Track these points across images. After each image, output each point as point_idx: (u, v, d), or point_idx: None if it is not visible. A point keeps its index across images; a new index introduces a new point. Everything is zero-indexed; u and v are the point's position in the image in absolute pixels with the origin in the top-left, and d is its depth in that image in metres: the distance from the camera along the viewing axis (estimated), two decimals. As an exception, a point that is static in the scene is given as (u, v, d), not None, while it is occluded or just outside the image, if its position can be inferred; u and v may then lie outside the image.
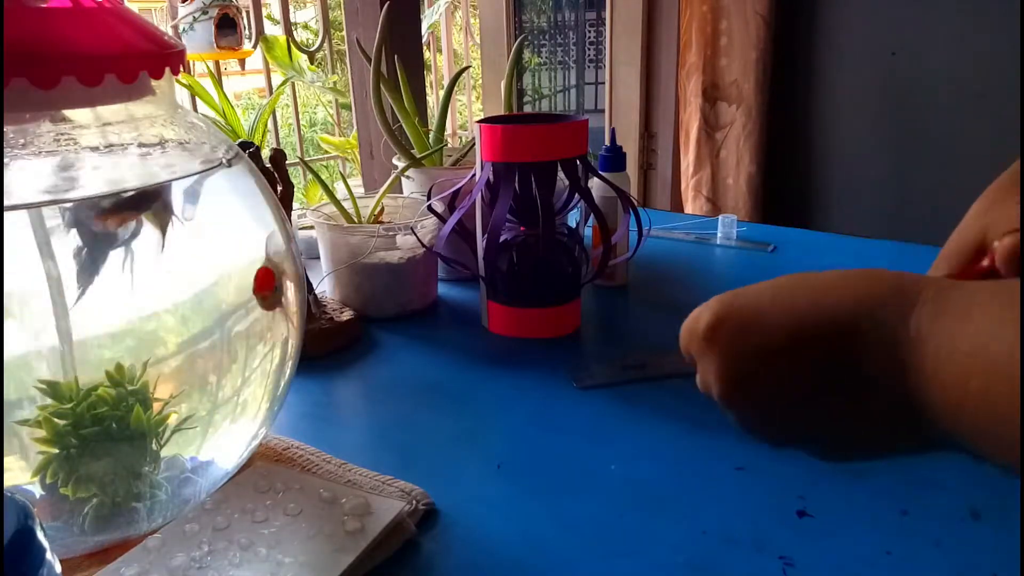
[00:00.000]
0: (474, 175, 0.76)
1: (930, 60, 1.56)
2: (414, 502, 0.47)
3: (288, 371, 0.51)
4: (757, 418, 0.31)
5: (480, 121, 0.72)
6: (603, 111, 2.27)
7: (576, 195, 0.75)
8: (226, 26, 1.47)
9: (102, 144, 0.40)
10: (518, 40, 1.03)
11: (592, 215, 0.74)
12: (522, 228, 0.75)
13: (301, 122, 1.60)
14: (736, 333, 0.30)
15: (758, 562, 0.43)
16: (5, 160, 0.36)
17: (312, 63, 1.68)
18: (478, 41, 2.44)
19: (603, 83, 2.24)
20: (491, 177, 0.72)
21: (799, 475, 0.51)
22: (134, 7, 0.47)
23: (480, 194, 0.73)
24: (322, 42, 1.44)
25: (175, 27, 1.46)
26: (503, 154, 0.69)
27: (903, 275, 0.27)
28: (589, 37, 2.55)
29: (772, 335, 0.29)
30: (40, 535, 0.27)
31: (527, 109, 2.57)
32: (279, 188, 0.68)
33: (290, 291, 0.49)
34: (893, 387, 0.26)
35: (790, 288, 0.30)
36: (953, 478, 0.50)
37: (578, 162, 0.72)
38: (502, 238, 0.74)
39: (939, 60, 1.54)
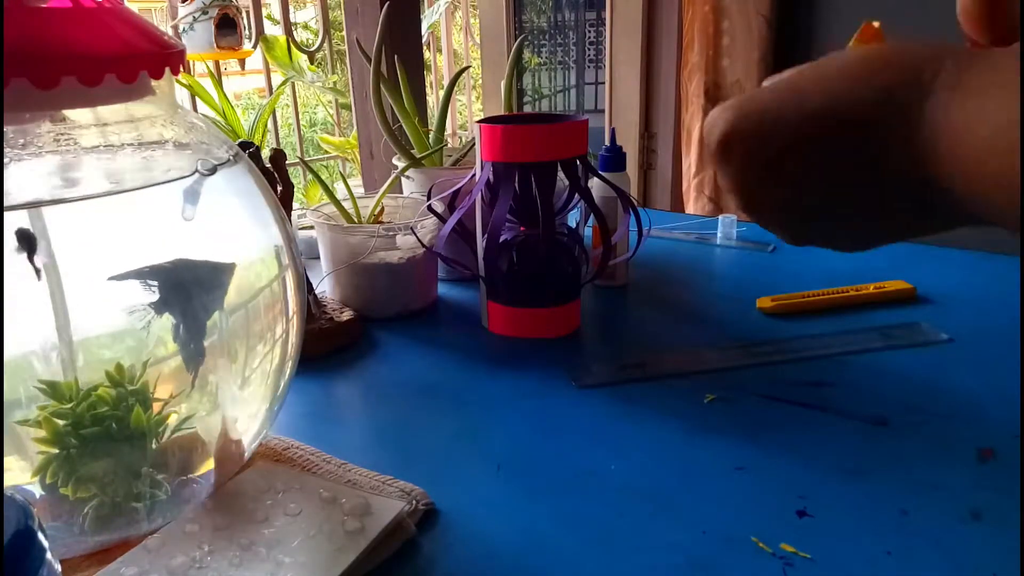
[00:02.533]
0: (474, 175, 0.76)
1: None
2: (414, 502, 0.47)
3: (288, 371, 0.51)
4: (777, 220, 0.32)
5: (480, 121, 0.72)
6: (603, 111, 2.27)
7: (576, 195, 0.75)
8: (226, 26, 1.47)
9: (102, 144, 0.40)
10: (518, 40, 1.03)
11: (592, 215, 0.74)
12: (522, 228, 0.76)
13: (301, 122, 1.60)
14: (749, 143, 0.30)
15: (758, 562, 0.43)
16: (5, 160, 0.36)
17: (312, 63, 1.69)
18: (478, 41, 2.44)
19: (603, 83, 2.25)
20: (491, 177, 0.72)
21: (799, 475, 0.51)
22: (134, 7, 0.47)
23: (480, 194, 0.73)
24: (322, 42, 1.44)
25: (175, 27, 1.46)
26: (503, 154, 0.69)
27: (917, 50, 0.25)
28: (589, 37, 2.55)
29: (785, 138, 0.29)
30: (40, 535, 0.27)
31: (527, 109, 2.57)
32: (279, 188, 0.68)
33: (289, 289, 0.49)
34: (912, 171, 0.25)
35: (801, 83, 0.29)
36: (953, 478, 0.50)
37: (578, 162, 0.72)
38: (502, 238, 0.74)
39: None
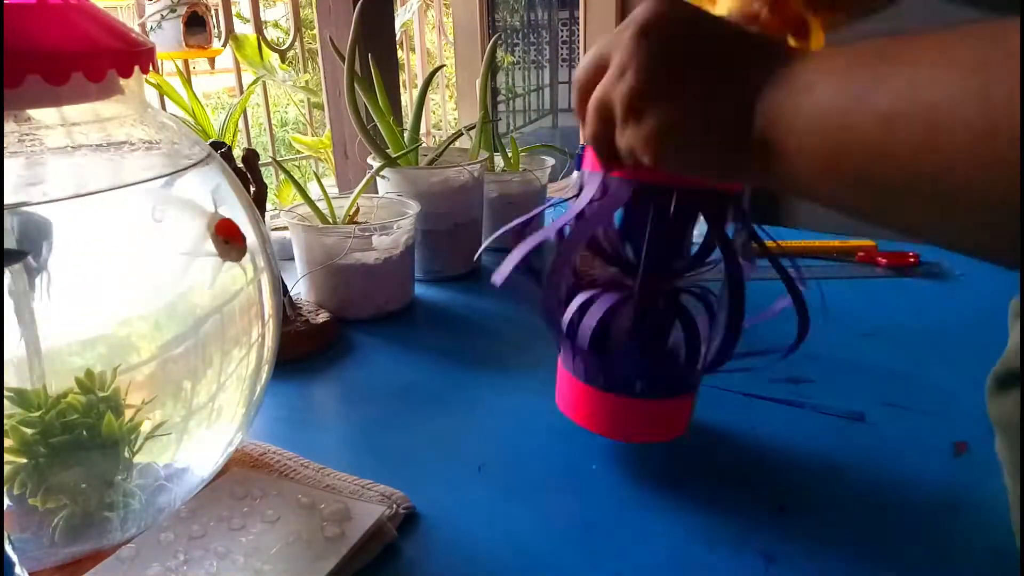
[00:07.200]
0: (575, 196, 0.49)
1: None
2: (394, 506, 0.47)
3: (264, 375, 0.50)
4: (658, 115, 0.35)
5: None
6: (577, 110, 2.27)
7: (712, 247, 0.49)
8: (195, 24, 1.45)
9: (69, 144, 0.39)
10: (492, 39, 1.02)
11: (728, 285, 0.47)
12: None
13: (273, 121, 1.58)
14: (671, 29, 0.35)
15: (740, 560, 0.44)
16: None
17: (283, 62, 1.66)
18: (451, 40, 2.43)
19: (577, 82, 2.25)
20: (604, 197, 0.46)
21: (779, 472, 0.52)
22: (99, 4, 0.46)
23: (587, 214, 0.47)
24: (293, 40, 1.43)
25: (142, 25, 1.43)
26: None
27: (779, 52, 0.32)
28: (562, 36, 2.55)
29: (702, 34, 0.35)
30: (8, 548, 0.26)
31: (501, 108, 2.57)
32: (252, 189, 0.67)
33: (265, 292, 0.48)
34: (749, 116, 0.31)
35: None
36: (929, 472, 0.51)
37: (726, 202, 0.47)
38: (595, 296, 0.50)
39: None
